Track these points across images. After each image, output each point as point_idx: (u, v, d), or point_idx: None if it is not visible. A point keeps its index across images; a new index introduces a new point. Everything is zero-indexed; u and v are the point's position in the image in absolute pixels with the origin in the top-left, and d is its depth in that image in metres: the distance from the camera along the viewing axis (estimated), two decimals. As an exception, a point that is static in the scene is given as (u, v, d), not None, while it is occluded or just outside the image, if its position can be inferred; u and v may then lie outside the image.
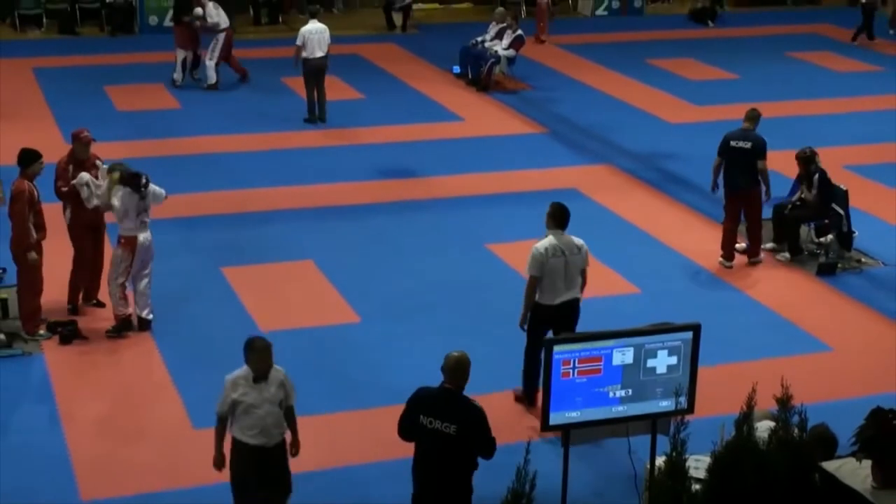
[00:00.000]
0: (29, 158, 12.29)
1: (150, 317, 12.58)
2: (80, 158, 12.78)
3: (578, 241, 11.01)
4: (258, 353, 8.75)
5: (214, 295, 13.55)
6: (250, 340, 8.86)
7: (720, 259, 14.75)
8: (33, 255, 12.19)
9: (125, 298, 12.43)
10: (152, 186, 12.40)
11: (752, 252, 14.81)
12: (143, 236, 12.31)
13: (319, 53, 20.04)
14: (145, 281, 12.44)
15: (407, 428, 8.43)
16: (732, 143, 14.54)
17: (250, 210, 16.18)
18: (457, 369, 8.28)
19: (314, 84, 20.19)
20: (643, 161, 18.81)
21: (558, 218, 10.95)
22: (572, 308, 10.95)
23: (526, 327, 11.04)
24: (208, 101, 21.52)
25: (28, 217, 12.09)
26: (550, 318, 10.86)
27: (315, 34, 20.04)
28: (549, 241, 10.87)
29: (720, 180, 14.65)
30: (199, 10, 21.87)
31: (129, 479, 10.01)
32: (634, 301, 13.61)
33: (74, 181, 12.52)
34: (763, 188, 14.55)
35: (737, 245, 14.96)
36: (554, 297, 10.83)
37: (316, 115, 20.29)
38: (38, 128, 19.33)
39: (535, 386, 11.01)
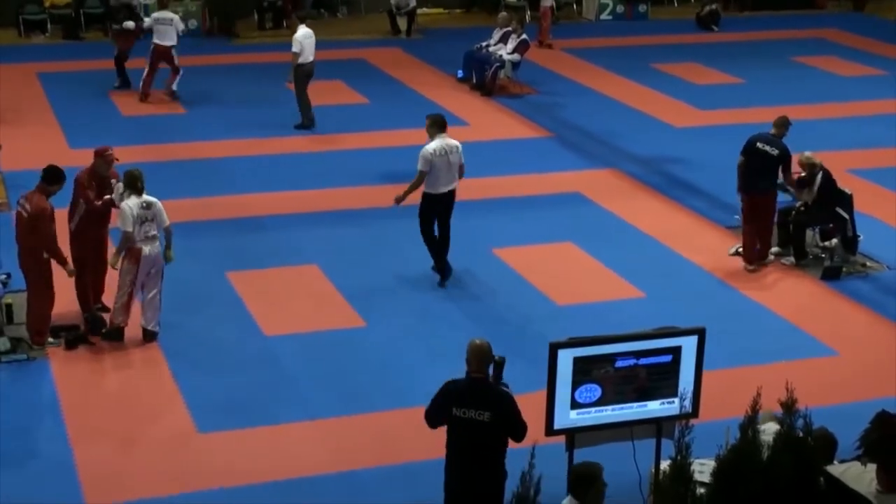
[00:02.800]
0: (57, 178, 12.15)
1: (157, 329, 12.52)
2: (101, 174, 12.73)
3: (455, 142, 13.87)
4: None
5: (219, 300, 13.55)
6: None
7: (744, 264, 14.72)
8: (70, 266, 12.23)
9: (127, 310, 12.38)
10: (159, 206, 12.29)
11: (760, 254, 14.78)
12: (148, 249, 12.20)
13: (311, 58, 20.07)
14: (154, 292, 12.37)
15: (435, 417, 8.67)
16: (759, 146, 14.56)
17: (255, 214, 16.19)
18: (479, 356, 8.48)
19: (306, 88, 20.19)
20: (648, 165, 18.81)
21: (441, 124, 13.81)
22: (452, 196, 13.91)
23: (418, 215, 13.88)
24: (213, 106, 21.53)
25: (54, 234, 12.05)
26: (437, 205, 13.78)
27: (309, 38, 20.08)
28: (436, 143, 13.61)
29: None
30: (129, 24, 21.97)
31: (133, 485, 10.01)
32: (639, 305, 13.60)
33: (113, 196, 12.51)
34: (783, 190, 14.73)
35: (738, 248, 14.95)
36: (438, 187, 13.67)
37: (312, 119, 20.29)
38: (43, 133, 19.38)
39: (439, 256, 13.98)
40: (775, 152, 14.47)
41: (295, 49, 19.93)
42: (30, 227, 12.02)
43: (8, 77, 22.56)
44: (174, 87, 21.83)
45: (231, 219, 16.05)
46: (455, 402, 8.47)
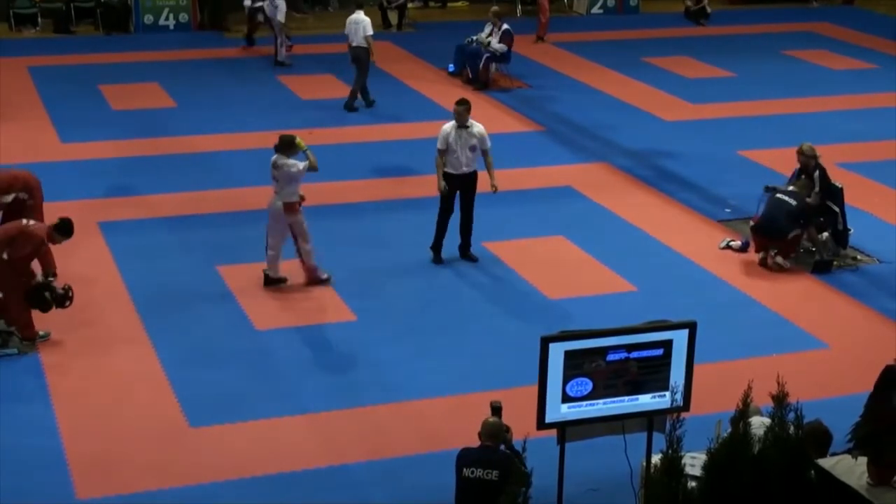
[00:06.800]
0: (65, 231, 12.21)
1: (325, 276, 13.68)
2: None
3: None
4: None
5: (210, 293, 13.53)
6: None
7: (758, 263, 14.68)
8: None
9: (273, 261, 13.58)
10: (286, 163, 13.18)
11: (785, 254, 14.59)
12: (273, 200, 13.38)
13: (353, 42, 20.97)
14: (300, 247, 13.56)
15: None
16: (778, 195, 14.42)
17: (246, 208, 16.13)
18: (493, 433, 8.73)
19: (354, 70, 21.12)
20: (639, 159, 18.81)
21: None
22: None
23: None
24: (203, 99, 21.49)
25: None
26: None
27: (350, 24, 21.16)
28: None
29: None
30: None
31: (124, 478, 10.00)
32: (630, 299, 13.60)
33: None
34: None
35: (731, 242, 14.95)
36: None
37: (354, 101, 21.05)
38: (34, 127, 19.34)
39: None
40: (793, 202, 14.32)
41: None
42: (11, 238, 12.05)
43: (-2, 71, 22.53)
44: (280, 58, 23.65)
45: (221, 212, 16.01)
46: (465, 464, 8.66)
